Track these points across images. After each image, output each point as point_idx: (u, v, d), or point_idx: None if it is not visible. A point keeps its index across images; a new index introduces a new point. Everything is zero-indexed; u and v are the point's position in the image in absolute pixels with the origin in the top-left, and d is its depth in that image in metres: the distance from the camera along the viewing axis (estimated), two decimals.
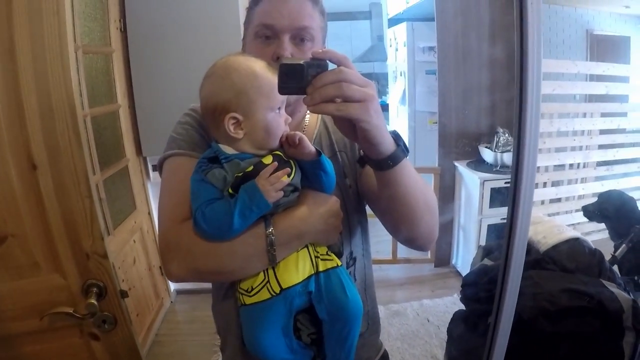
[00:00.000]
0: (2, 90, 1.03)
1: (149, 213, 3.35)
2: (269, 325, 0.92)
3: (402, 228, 0.99)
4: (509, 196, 0.57)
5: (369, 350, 1.21)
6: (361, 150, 0.89)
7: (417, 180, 0.93)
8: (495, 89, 3.42)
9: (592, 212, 2.58)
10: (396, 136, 0.88)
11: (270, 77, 0.87)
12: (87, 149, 1.14)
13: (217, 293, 1.13)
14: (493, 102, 3.46)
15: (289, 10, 0.98)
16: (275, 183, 0.86)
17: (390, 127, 0.87)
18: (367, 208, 1.14)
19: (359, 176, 1.09)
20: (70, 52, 1.06)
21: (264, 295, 0.90)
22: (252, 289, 0.91)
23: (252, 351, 0.95)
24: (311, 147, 0.89)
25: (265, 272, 0.91)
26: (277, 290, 0.90)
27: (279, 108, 0.90)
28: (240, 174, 0.88)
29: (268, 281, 0.90)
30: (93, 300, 1.14)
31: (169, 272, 0.92)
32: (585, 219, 2.66)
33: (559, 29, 3.46)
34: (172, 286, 3.62)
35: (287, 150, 0.90)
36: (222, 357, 1.20)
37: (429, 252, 3.82)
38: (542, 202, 3.57)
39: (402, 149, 0.87)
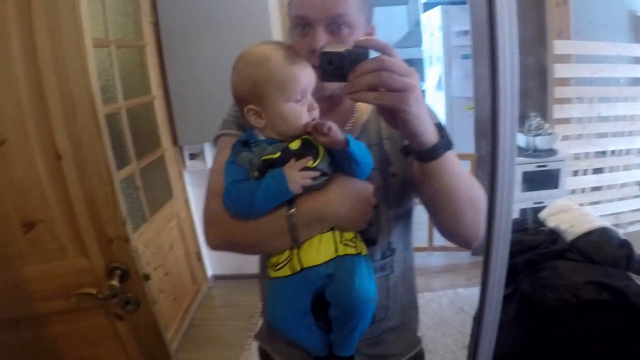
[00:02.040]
0: (26, 86, 1.10)
1: (186, 201, 3.44)
2: (286, 301, 0.95)
3: (444, 222, 0.98)
4: (488, 183, 0.57)
5: (401, 346, 1.19)
6: (406, 140, 0.89)
7: (461, 174, 0.91)
8: (528, 73, 3.31)
9: None
10: (440, 128, 0.87)
11: (284, 68, 0.88)
12: (109, 142, 1.19)
13: (261, 263, 1.16)
14: (526, 86, 3.35)
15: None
16: (305, 177, 0.88)
17: None
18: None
19: (407, 165, 1.05)
20: (88, 49, 1.11)
21: (286, 271, 0.93)
22: (278, 264, 0.94)
23: (271, 323, 1.00)
24: (340, 136, 0.88)
25: (291, 250, 0.93)
26: (298, 268, 0.92)
27: (300, 97, 0.90)
28: (267, 158, 0.90)
29: (291, 259, 0.93)
30: (115, 282, 1.20)
31: (207, 241, 0.99)
32: (627, 209, 2.54)
33: (600, 11, 3.31)
34: (209, 272, 3.72)
35: (317, 138, 0.90)
36: (262, 321, 1.27)
37: None
38: (583, 190, 3.45)
39: (445, 141, 0.85)
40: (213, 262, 3.73)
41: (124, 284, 1.23)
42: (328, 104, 1.05)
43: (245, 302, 3.38)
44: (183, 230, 3.33)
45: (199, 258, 3.55)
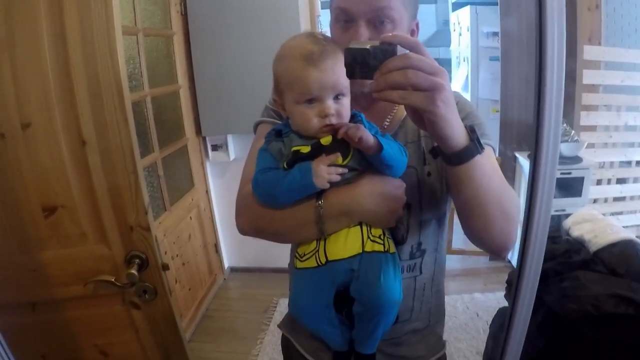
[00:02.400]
0: (54, 72, 1.10)
1: (207, 192, 3.45)
2: (310, 293, 0.95)
3: (472, 228, 0.94)
4: (527, 193, 0.55)
5: (424, 348, 1.17)
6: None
7: (492, 180, 0.87)
8: None
9: None
10: (472, 131, 0.83)
11: (295, 70, 0.86)
12: (134, 129, 1.19)
13: (291, 253, 1.14)
14: None
15: None
16: (332, 174, 0.86)
17: None
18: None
19: (443, 164, 0.99)
20: (118, 37, 1.11)
21: (312, 263, 0.93)
22: (304, 255, 0.94)
23: (292, 313, 1.00)
24: (370, 143, 0.85)
25: (318, 241, 0.93)
26: (323, 261, 0.92)
27: (311, 100, 0.87)
28: (296, 149, 0.90)
29: (317, 250, 0.93)
30: (134, 271, 1.20)
31: (237, 226, 1.01)
32: None
33: (632, 17, 3.21)
34: (226, 263, 3.73)
35: (349, 142, 0.88)
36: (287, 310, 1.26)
37: None
38: (606, 200, 3.36)
39: (475, 145, 0.82)
40: (230, 254, 3.74)
41: (142, 272, 1.23)
42: (366, 100, 1.03)
43: (260, 295, 3.39)
44: (202, 221, 3.34)
45: (217, 250, 3.57)
